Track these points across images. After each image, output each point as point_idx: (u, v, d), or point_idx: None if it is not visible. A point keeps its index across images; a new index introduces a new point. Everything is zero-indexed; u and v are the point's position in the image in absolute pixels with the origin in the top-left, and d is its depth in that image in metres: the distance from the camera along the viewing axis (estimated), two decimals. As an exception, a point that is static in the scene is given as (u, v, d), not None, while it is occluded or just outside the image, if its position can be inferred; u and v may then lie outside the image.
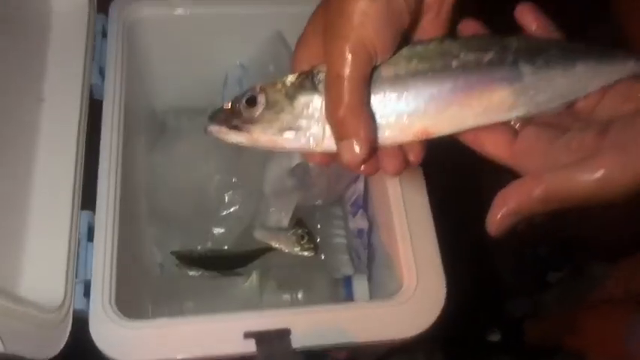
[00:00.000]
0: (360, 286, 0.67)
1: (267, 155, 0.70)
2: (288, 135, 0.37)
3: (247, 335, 0.49)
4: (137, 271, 0.65)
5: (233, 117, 0.37)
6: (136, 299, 0.62)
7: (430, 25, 0.37)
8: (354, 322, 0.51)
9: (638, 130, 0.31)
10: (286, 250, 0.68)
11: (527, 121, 0.36)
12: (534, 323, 1.03)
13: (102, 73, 0.62)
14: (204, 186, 0.69)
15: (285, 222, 0.69)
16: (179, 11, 0.68)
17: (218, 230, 0.69)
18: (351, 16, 0.33)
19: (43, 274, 0.50)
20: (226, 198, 0.68)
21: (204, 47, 0.72)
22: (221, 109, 0.38)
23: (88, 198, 0.55)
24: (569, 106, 0.36)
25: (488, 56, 0.35)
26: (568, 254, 1.08)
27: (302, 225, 0.70)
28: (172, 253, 0.69)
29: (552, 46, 0.36)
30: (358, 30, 0.33)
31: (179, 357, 0.49)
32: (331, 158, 0.37)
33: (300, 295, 0.68)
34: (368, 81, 0.34)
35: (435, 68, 0.35)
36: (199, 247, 0.70)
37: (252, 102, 0.37)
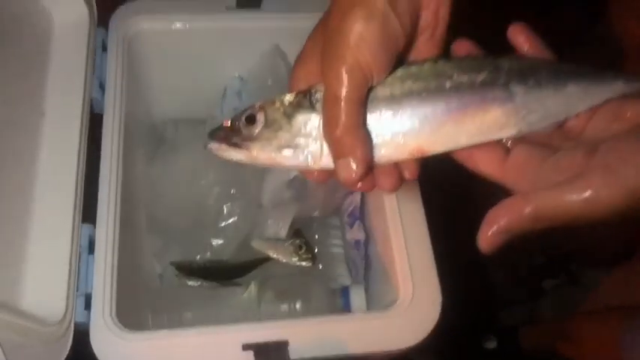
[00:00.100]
0: (358, 296, 0.67)
1: (265, 168, 0.71)
2: (287, 153, 0.38)
3: (246, 347, 0.50)
4: (137, 282, 0.65)
5: (233, 134, 0.38)
6: (135, 310, 0.62)
7: (425, 46, 0.38)
8: (352, 333, 0.52)
9: (624, 150, 0.32)
10: (284, 261, 0.69)
11: (518, 139, 0.37)
12: (530, 330, 1.04)
13: (102, 86, 0.63)
14: (203, 197, 0.70)
15: (283, 233, 0.70)
16: (178, 25, 0.68)
17: (217, 241, 0.70)
18: (348, 39, 0.34)
19: (44, 288, 0.50)
20: (225, 209, 0.69)
21: (203, 60, 0.73)
22: (221, 127, 0.39)
23: (88, 211, 0.56)
24: (560, 125, 0.37)
25: (481, 77, 0.36)
26: (563, 262, 1.09)
27: (300, 235, 0.70)
28: (172, 263, 0.70)
29: (544, 66, 0.37)
30: (355, 52, 0.34)
31: (179, 368, 0.50)
32: (328, 175, 0.38)
33: (298, 305, 0.68)
34: (364, 101, 0.35)
35: (429, 89, 0.36)
36: (198, 258, 0.70)
37: (251, 120, 0.38)
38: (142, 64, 0.70)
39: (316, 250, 0.71)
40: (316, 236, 0.73)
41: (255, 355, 0.49)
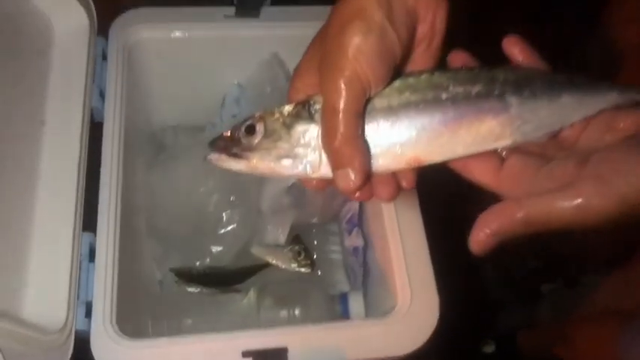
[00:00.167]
0: (356, 302, 0.68)
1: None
2: (286, 162, 0.38)
3: (245, 354, 0.50)
4: (137, 288, 0.65)
5: (232, 145, 0.39)
6: (135, 316, 0.63)
7: (421, 57, 0.39)
8: (350, 340, 0.53)
9: (616, 160, 0.32)
10: (283, 267, 0.69)
11: (513, 149, 0.38)
12: (528, 334, 1.04)
13: (102, 95, 0.64)
14: (203, 204, 0.70)
15: (282, 239, 0.70)
16: (177, 34, 0.69)
17: (216, 248, 0.70)
18: (347, 51, 0.34)
19: (45, 297, 0.50)
20: (224, 216, 0.69)
21: (202, 68, 0.73)
22: (220, 137, 0.40)
23: (89, 219, 0.56)
24: (554, 135, 0.37)
25: (477, 88, 0.37)
26: (561, 266, 1.09)
27: (299, 242, 0.71)
28: (171, 270, 0.70)
29: (538, 77, 0.38)
30: (353, 64, 0.34)
31: (179, 376, 0.50)
32: (327, 183, 0.39)
33: (297, 312, 0.68)
34: (362, 113, 0.36)
35: (426, 100, 0.37)
36: (198, 264, 0.71)
37: (251, 130, 0.38)
38: (141, 72, 0.70)
39: (315, 257, 0.71)
40: (315, 242, 0.73)
41: (255, 362, 0.50)
